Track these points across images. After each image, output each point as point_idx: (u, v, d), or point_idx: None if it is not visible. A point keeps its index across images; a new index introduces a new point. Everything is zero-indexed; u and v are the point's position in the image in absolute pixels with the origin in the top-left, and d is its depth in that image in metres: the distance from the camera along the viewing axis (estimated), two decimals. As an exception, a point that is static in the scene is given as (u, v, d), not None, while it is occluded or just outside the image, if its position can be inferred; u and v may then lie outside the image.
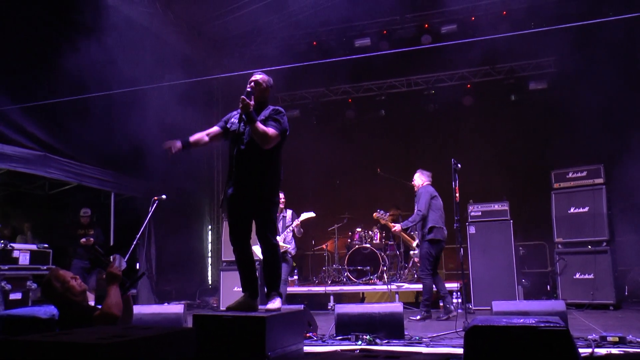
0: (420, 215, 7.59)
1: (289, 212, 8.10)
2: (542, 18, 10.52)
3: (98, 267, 3.80)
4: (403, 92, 12.68)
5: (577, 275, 8.44)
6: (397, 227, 7.89)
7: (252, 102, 4.45)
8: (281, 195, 8.00)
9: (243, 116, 4.47)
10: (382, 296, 10.10)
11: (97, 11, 9.25)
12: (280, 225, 8.00)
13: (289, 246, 7.83)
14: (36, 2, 8.35)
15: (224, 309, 4.61)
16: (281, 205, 8.13)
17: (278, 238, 7.62)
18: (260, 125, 4.41)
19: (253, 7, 11.29)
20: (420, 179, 8.00)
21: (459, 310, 7.31)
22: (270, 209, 4.58)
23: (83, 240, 9.16)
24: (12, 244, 7.98)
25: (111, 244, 9.68)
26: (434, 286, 7.60)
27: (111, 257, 10.18)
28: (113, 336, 2.51)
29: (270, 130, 4.45)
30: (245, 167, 4.56)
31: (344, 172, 12.52)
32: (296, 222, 7.84)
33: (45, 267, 8.00)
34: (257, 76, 4.79)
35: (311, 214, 8.40)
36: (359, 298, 10.62)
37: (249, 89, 4.59)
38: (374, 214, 8.45)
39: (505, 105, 11.62)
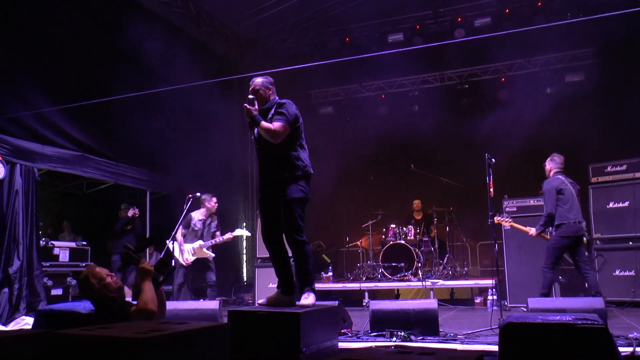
0: (547, 217, 7.15)
1: (215, 221, 8.34)
2: (579, 8, 10.30)
3: (130, 264, 3.85)
4: (436, 87, 12.58)
5: (617, 272, 8.25)
6: (532, 231, 7.36)
7: (255, 107, 4.54)
8: (213, 201, 8.16)
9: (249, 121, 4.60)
10: (417, 293, 10.05)
11: (131, 12, 9.42)
12: (204, 231, 8.15)
13: (211, 254, 8.10)
14: (74, 5, 8.52)
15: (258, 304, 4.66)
16: (214, 211, 8.37)
17: (196, 244, 7.79)
18: (264, 124, 4.49)
19: (285, 5, 11.32)
20: (548, 165, 7.47)
21: (494, 307, 7.22)
22: (292, 206, 4.55)
23: (130, 213, 9.50)
24: (52, 242, 8.20)
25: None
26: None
27: (147, 253, 10.40)
28: (150, 330, 2.56)
29: (276, 125, 4.50)
30: (265, 167, 4.70)
31: (378, 168, 12.49)
32: (228, 235, 8.07)
33: (84, 264, 8.20)
34: (255, 81, 4.82)
35: (246, 233, 8.57)
36: (394, 294, 10.59)
37: (250, 96, 4.65)
38: (496, 219, 7.44)
39: (540, 98, 11.43)
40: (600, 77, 10.76)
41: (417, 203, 11.18)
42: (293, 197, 4.56)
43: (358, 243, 11.15)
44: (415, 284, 9.42)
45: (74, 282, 7.93)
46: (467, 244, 11.46)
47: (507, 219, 7.64)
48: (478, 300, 8.98)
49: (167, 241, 7.90)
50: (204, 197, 8.18)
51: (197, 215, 8.21)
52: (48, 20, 8.12)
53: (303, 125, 4.79)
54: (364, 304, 9.14)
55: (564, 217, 7.03)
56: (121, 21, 9.13)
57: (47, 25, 8.09)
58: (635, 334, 4.80)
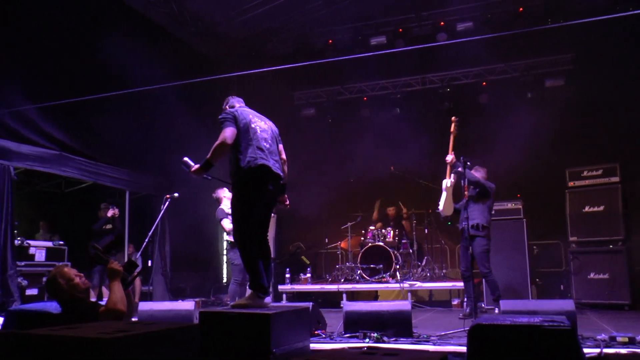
0: (482, 184, 7.24)
1: None
2: (560, 14, 10.41)
3: (99, 264, 3.83)
4: (418, 90, 12.65)
5: (592, 275, 8.36)
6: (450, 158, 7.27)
7: (194, 166, 4.71)
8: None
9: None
10: (397, 295, 10.10)
11: (113, 11, 9.38)
12: None
13: None
14: (55, 3, 8.46)
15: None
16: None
17: None
18: (212, 150, 4.59)
19: (269, 6, 11.33)
20: (479, 174, 7.46)
21: (467, 309, 7.29)
22: (233, 208, 4.74)
23: (110, 213, 9.39)
24: (28, 241, 8.14)
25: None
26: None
27: (127, 254, 10.35)
28: (116, 331, 2.56)
29: (218, 140, 4.59)
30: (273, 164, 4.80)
31: (359, 170, 12.52)
32: None
33: (60, 264, 8.13)
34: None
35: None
36: (373, 296, 10.64)
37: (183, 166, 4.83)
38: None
39: (521, 102, 11.52)
40: (580, 82, 10.90)
41: (390, 210, 11.22)
42: (234, 198, 4.79)
43: (337, 244, 11.17)
44: (393, 285, 9.46)
45: (50, 282, 7.87)
46: (445, 246, 11.54)
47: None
48: (455, 302, 9.03)
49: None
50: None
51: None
52: (27, 17, 8.06)
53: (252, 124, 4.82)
54: (342, 305, 9.15)
55: (489, 223, 7.27)
56: (103, 20, 9.10)
57: (27, 22, 8.03)
58: (603, 335, 4.88)
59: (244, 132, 4.66)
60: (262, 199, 4.69)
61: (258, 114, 5.02)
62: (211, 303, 10.64)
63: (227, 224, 7.44)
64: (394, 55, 10.23)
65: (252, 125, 4.73)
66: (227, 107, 5.06)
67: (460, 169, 6.83)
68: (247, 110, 4.97)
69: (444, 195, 7.33)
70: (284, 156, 5.03)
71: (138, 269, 3.94)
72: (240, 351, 3.97)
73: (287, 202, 5.16)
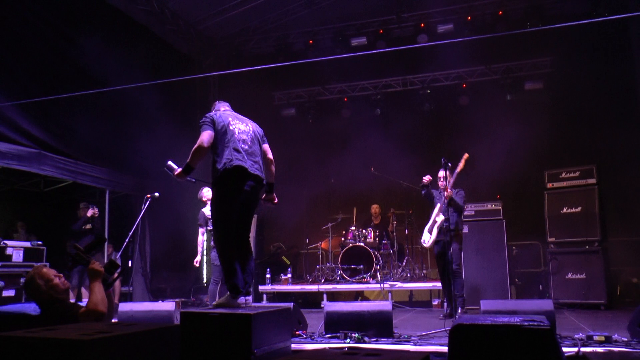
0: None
1: None
2: (539, 18, 10.54)
3: (79, 265, 3.77)
4: (399, 91, 12.70)
5: (570, 275, 8.47)
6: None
7: (177, 169, 4.88)
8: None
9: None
10: (378, 295, 10.13)
11: (93, 8, 9.29)
12: None
13: None
14: (31, -1, 8.36)
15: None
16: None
17: None
18: (191, 153, 4.75)
19: (249, 5, 11.33)
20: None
21: (447, 310, 7.36)
22: (211, 208, 4.90)
23: (90, 212, 9.31)
24: (5, 241, 8.01)
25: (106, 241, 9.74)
26: None
27: (106, 254, 10.26)
28: (96, 332, 2.54)
29: (196, 143, 4.71)
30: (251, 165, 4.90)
31: (339, 170, 12.53)
32: None
33: (39, 265, 8.02)
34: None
35: None
36: (355, 297, 10.65)
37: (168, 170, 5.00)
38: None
39: (500, 105, 11.64)
40: (558, 85, 11.04)
41: (375, 207, 11.24)
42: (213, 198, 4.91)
43: (318, 245, 11.18)
44: (373, 286, 9.49)
45: (28, 283, 7.75)
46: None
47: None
48: (436, 302, 9.09)
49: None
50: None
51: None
52: (6, 14, 7.94)
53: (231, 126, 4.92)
54: (322, 306, 9.17)
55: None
56: (83, 16, 9.00)
57: (5, 19, 7.91)
58: (580, 334, 4.95)
59: (222, 134, 4.75)
60: (238, 199, 4.73)
61: (240, 116, 5.07)
62: (191, 304, 10.58)
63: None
64: (374, 57, 10.26)
65: (230, 128, 4.81)
66: (214, 111, 5.12)
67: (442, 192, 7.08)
68: (228, 112, 5.04)
69: (427, 235, 7.53)
70: (269, 156, 5.11)
71: (119, 270, 3.90)
72: (221, 352, 3.95)
73: (276, 200, 5.24)
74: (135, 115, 9.78)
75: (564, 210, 8.73)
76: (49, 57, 8.56)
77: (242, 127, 4.92)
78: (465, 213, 9.02)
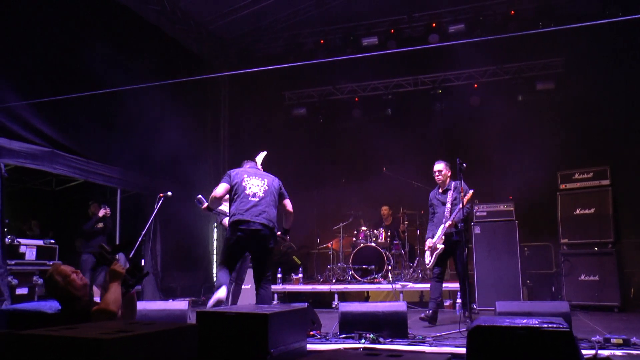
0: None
1: None
2: (551, 18, 10.48)
3: (103, 264, 3.75)
4: (410, 91, 12.65)
5: (582, 277, 8.41)
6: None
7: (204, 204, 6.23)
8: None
9: None
10: (386, 296, 10.10)
11: (105, 7, 9.30)
12: None
13: None
14: (44, -1, 8.39)
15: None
16: None
17: None
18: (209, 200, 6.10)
19: (260, 5, 11.32)
20: (448, 171, 7.33)
21: (460, 311, 7.30)
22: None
23: (102, 212, 9.35)
24: (19, 240, 8.04)
25: (117, 240, 9.74)
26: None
27: (117, 255, 10.27)
28: (116, 331, 2.53)
29: (212, 193, 5.96)
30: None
31: (350, 170, 12.53)
32: None
33: (51, 263, 8.04)
34: None
35: None
36: (364, 297, 10.63)
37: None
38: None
39: (512, 105, 11.58)
40: (570, 85, 10.97)
41: (385, 209, 11.21)
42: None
43: (329, 245, 11.15)
44: (385, 286, 9.46)
45: (40, 281, 7.77)
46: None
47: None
48: (447, 303, 9.03)
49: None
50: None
51: None
52: (18, 13, 7.96)
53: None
54: (334, 306, 9.16)
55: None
56: (95, 16, 9.01)
57: (18, 18, 7.94)
58: (597, 337, 4.91)
59: (235, 189, 5.85)
60: (233, 242, 5.78)
61: (259, 172, 6.10)
62: (201, 303, 10.58)
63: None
64: (385, 56, 10.23)
65: (242, 184, 5.84)
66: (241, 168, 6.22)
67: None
68: (248, 170, 6.07)
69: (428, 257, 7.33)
70: (288, 208, 6.14)
71: (142, 274, 3.86)
72: (238, 351, 3.95)
73: (288, 239, 6.48)
74: (146, 115, 9.79)
75: (577, 211, 8.66)
76: (62, 58, 8.57)
77: (256, 181, 5.90)
78: (477, 214, 9.01)
